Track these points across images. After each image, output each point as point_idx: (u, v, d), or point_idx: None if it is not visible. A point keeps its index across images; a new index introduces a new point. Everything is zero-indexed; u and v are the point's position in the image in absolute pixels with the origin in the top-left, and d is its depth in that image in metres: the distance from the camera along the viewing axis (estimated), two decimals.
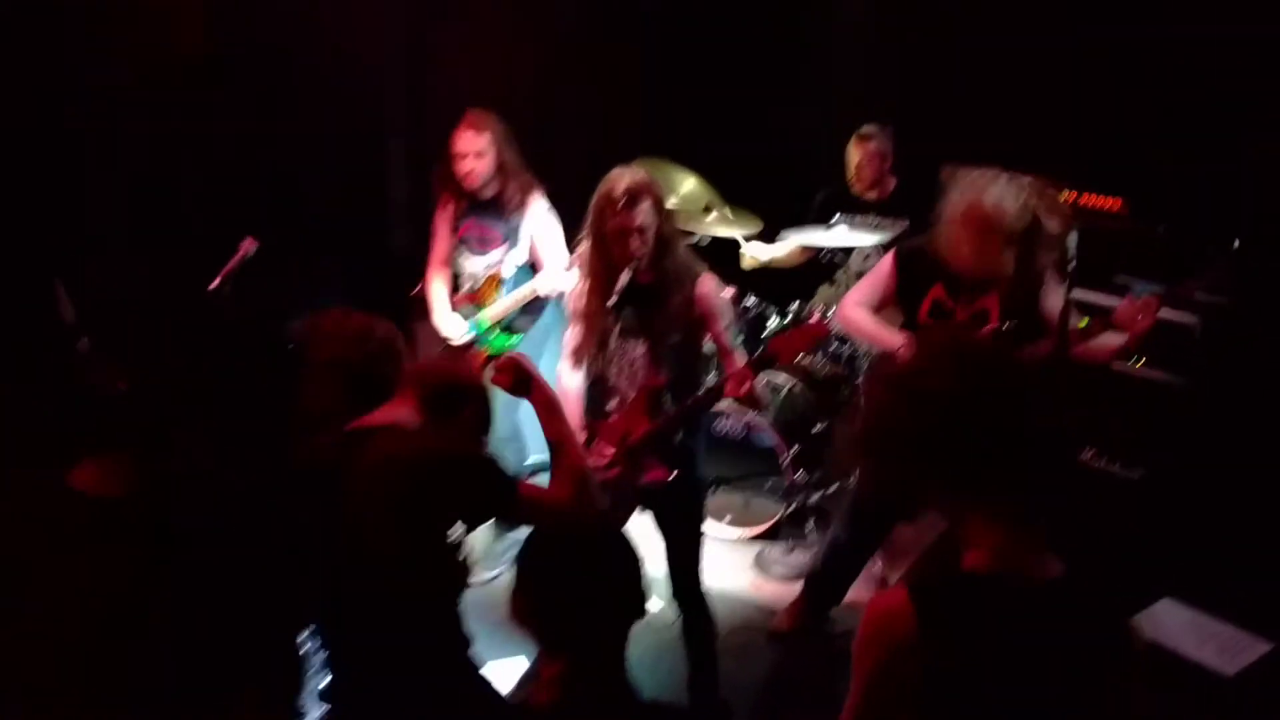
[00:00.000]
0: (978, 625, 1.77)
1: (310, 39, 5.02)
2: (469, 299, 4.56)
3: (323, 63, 5.06)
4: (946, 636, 1.74)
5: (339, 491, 2.41)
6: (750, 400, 3.37)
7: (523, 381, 2.71)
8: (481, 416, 2.71)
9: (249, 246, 3.91)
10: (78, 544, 2.10)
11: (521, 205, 4.44)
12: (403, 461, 2.44)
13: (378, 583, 2.42)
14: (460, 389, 2.66)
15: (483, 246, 4.50)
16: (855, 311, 3.79)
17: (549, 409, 2.67)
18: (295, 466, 2.52)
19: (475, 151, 4.32)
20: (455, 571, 2.58)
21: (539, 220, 4.47)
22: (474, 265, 4.54)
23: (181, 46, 4.68)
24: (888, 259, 3.80)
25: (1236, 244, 3.20)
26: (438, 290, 4.60)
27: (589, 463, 2.66)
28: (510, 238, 4.47)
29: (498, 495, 2.49)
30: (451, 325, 4.55)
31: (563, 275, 4.31)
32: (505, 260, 4.50)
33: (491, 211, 4.47)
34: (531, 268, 4.56)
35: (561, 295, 4.28)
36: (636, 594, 2.00)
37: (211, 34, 4.77)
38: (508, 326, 4.56)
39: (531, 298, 4.49)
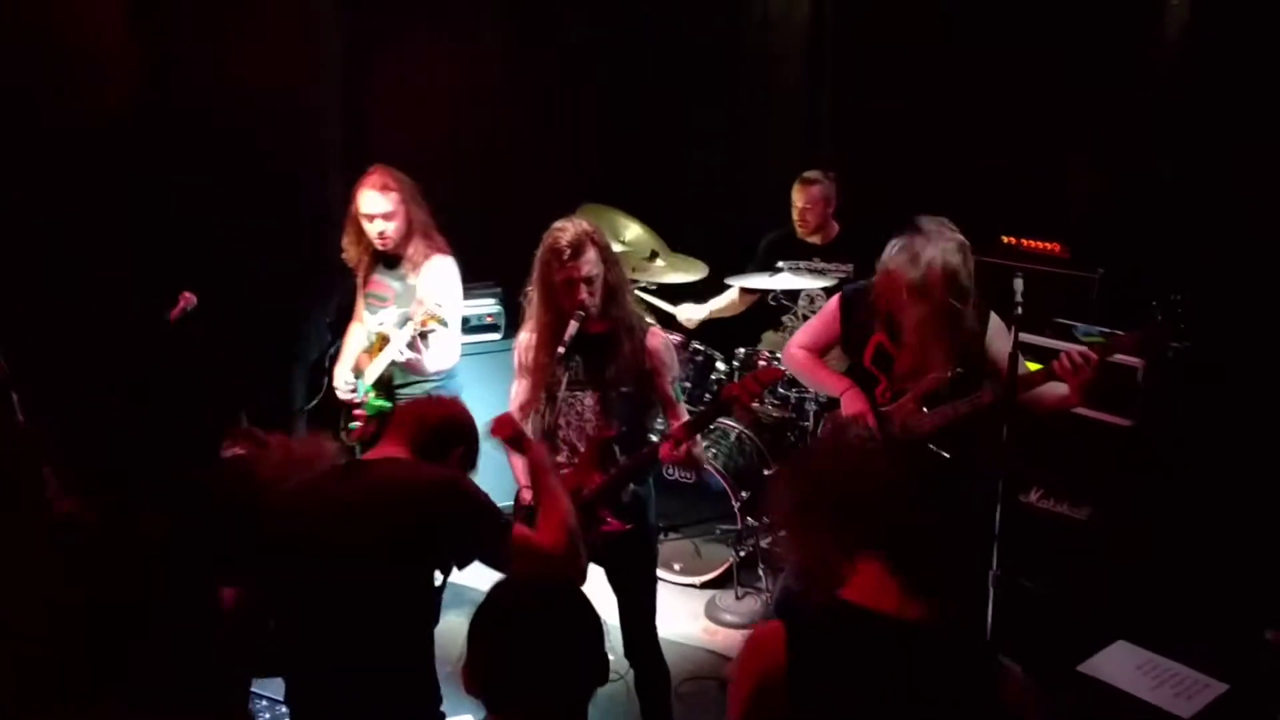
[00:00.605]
0: (843, 653, 1.89)
1: (247, 87, 4.96)
2: (367, 356, 4.28)
3: (260, 111, 5.00)
4: (813, 662, 1.87)
5: (332, 512, 2.42)
6: (688, 462, 3.34)
7: (518, 437, 2.85)
8: (470, 457, 2.76)
9: (189, 300, 3.84)
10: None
11: (419, 264, 4.20)
12: (408, 482, 2.48)
13: (359, 615, 2.37)
14: (450, 428, 2.72)
15: (377, 303, 4.29)
16: (801, 354, 3.80)
17: (541, 465, 2.79)
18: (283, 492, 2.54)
19: (384, 213, 4.10)
20: (432, 611, 2.56)
21: (433, 279, 4.19)
22: (371, 322, 4.30)
23: (117, 96, 4.58)
24: (833, 303, 3.81)
25: (1175, 295, 3.24)
26: (349, 343, 4.44)
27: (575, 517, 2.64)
28: (401, 297, 4.22)
29: (494, 526, 2.49)
30: (342, 380, 4.33)
31: (404, 345, 4.02)
32: (391, 319, 4.20)
33: (392, 267, 4.26)
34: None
35: (417, 365, 4.07)
36: (599, 661, 1.94)
37: (147, 82, 4.68)
38: (386, 391, 4.24)
39: (389, 361, 4.14)
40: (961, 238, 3.41)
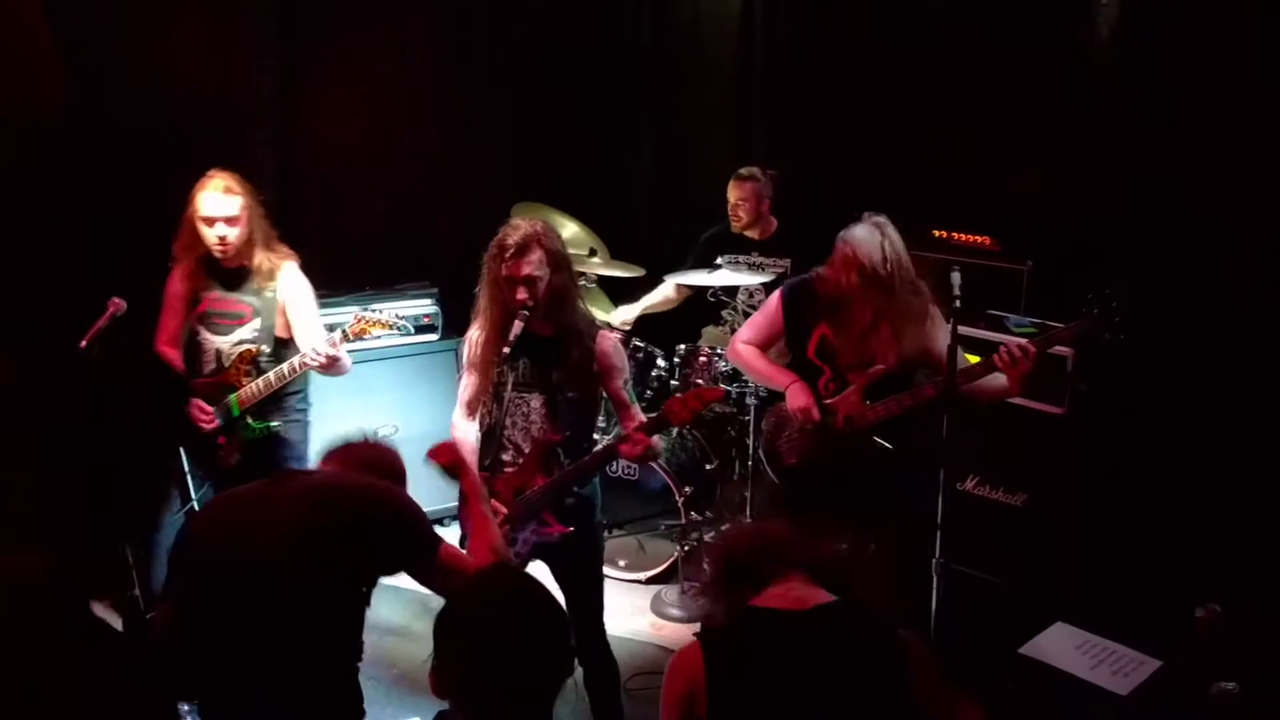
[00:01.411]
0: (753, 649, 2.08)
1: (176, 89, 4.88)
2: (216, 381, 3.99)
3: (190, 112, 4.92)
4: (728, 668, 2.05)
5: (265, 515, 2.42)
6: (646, 455, 3.37)
7: (455, 465, 2.91)
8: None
9: (118, 306, 3.74)
10: None
11: (272, 274, 3.98)
12: (341, 486, 2.51)
13: (290, 619, 2.36)
14: (385, 471, 2.72)
15: (230, 322, 3.99)
16: (745, 350, 3.87)
17: (475, 493, 2.90)
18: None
19: (227, 217, 3.83)
20: (358, 625, 2.54)
21: (291, 287, 4.02)
22: (220, 343, 3.99)
23: (42, 98, 4.47)
24: (775, 297, 3.88)
25: (1107, 290, 3.36)
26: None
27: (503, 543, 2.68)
28: (264, 311, 3.99)
29: (424, 539, 2.52)
30: (198, 410, 3.96)
31: (324, 339, 3.87)
32: (259, 335, 4.00)
33: (238, 283, 3.98)
34: (284, 341, 4.06)
35: (334, 364, 3.89)
36: (566, 654, 1.97)
37: (75, 84, 4.57)
38: (260, 412, 4.01)
39: (295, 375, 3.95)
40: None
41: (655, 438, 3.37)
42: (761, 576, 2.19)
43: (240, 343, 3.99)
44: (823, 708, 2.01)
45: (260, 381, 3.95)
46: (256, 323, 4.00)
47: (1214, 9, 4.26)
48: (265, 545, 2.38)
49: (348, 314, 4.94)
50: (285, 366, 3.93)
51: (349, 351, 3.98)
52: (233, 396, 3.96)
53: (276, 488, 2.52)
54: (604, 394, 3.55)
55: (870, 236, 3.50)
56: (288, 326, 4.04)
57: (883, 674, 2.03)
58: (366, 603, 2.55)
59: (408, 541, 2.52)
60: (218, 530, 2.47)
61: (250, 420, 4.01)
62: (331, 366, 3.92)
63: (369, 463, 2.71)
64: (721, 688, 2.01)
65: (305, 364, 3.90)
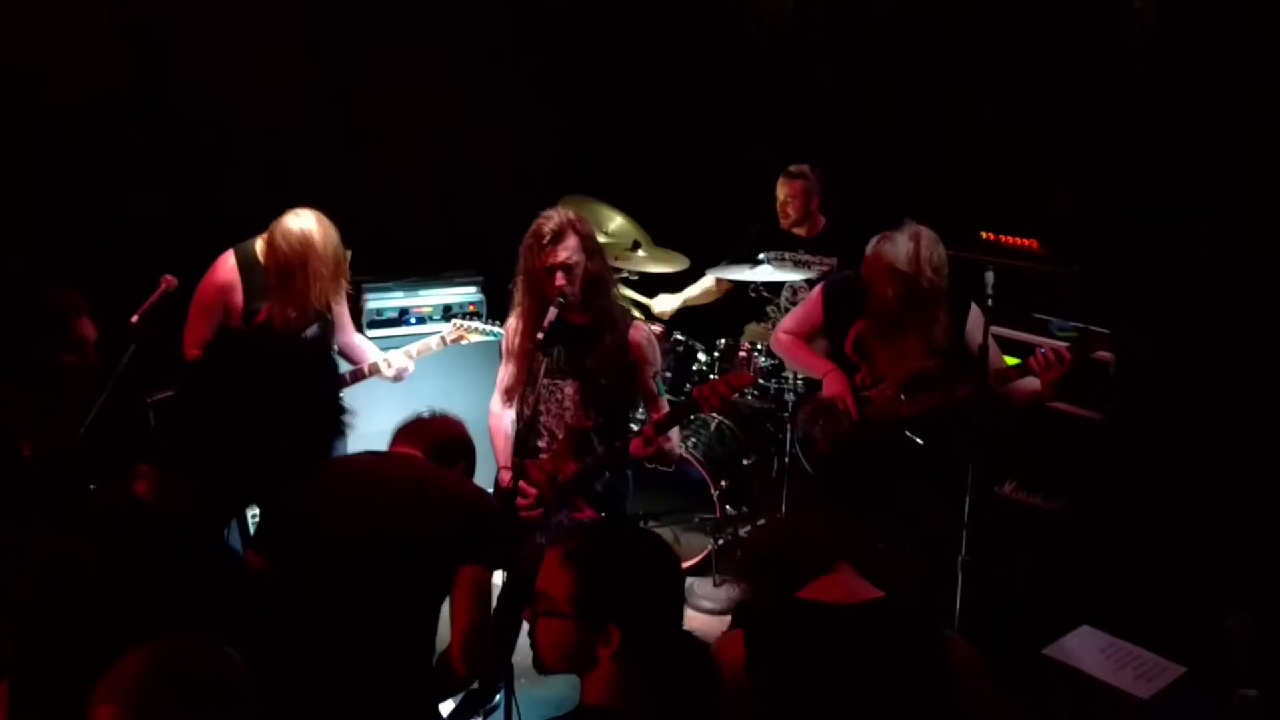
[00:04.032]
0: (795, 641, 2.10)
1: (234, 79, 5.00)
2: None
3: (247, 104, 5.04)
4: (769, 655, 2.07)
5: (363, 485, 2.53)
6: (659, 458, 3.39)
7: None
8: (469, 471, 2.88)
9: (169, 283, 3.83)
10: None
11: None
12: (456, 484, 2.64)
13: (372, 599, 2.40)
14: (457, 443, 2.85)
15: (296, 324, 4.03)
16: (787, 339, 3.97)
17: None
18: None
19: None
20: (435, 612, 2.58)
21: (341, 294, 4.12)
22: None
23: (99, 85, 4.62)
24: (816, 291, 3.99)
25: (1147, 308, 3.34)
26: None
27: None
28: (318, 318, 4.05)
29: (506, 544, 2.65)
30: None
31: (399, 353, 4.12)
32: (324, 334, 4.06)
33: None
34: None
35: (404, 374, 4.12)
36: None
37: (128, 73, 4.71)
38: None
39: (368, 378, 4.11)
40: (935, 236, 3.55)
41: (673, 442, 3.39)
42: (807, 569, 2.21)
43: None
44: (864, 703, 2.03)
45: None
46: (315, 327, 4.08)
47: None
48: (369, 519, 2.45)
49: (394, 300, 5.09)
50: (365, 367, 4.12)
51: (388, 339, 4.23)
52: None
53: (384, 465, 2.64)
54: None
55: (904, 246, 3.52)
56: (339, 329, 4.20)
57: (926, 674, 2.05)
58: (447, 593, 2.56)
59: (482, 554, 2.53)
60: (330, 494, 2.51)
61: None
62: (400, 377, 4.16)
63: (441, 437, 2.81)
64: (763, 678, 2.03)
65: (376, 371, 4.12)
